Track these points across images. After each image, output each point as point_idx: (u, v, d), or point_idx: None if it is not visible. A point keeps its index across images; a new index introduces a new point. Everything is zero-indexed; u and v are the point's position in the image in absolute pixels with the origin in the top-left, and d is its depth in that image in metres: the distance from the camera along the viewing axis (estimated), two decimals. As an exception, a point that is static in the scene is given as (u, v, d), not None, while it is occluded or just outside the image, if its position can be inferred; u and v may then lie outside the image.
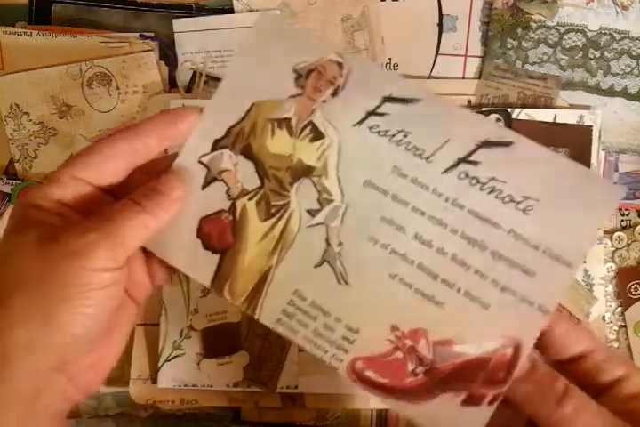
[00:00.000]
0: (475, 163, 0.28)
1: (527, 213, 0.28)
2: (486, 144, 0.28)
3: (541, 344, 0.29)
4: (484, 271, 0.28)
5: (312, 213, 0.30)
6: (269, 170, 0.30)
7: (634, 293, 0.51)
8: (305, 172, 0.30)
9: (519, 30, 0.51)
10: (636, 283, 0.51)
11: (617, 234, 0.52)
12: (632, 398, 0.27)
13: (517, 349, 0.27)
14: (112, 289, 0.27)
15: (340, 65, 0.30)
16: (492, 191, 0.28)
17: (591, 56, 0.51)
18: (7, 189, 0.49)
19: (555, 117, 0.50)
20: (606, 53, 0.51)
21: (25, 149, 0.50)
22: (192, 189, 0.30)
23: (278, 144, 0.30)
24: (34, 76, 0.50)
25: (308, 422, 0.50)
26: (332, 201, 0.29)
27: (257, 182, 0.30)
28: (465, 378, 0.27)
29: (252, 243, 0.30)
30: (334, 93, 0.30)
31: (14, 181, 0.50)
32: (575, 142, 0.50)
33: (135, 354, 0.49)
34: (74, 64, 0.50)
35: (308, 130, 0.30)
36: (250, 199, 0.30)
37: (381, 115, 0.29)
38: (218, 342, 0.48)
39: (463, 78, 0.52)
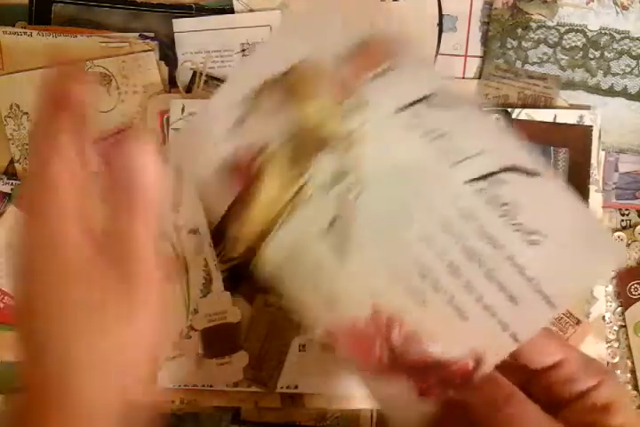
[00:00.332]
0: (497, 183, 0.28)
1: (532, 246, 0.27)
2: (515, 169, 0.28)
3: (512, 356, 0.28)
4: (474, 286, 0.28)
5: (330, 183, 0.29)
6: (301, 130, 0.29)
7: (634, 293, 0.51)
8: (332, 142, 0.29)
9: (519, 30, 0.51)
10: (636, 283, 0.51)
11: (617, 234, 0.52)
12: (595, 409, 0.27)
13: (479, 363, 0.27)
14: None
15: (396, 45, 0.29)
16: (505, 215, 0.28)
17: (591, 56, 0.51)
18: (7, 189, 0.49)
19: (555, 117, 0.50)
20: (606, 53, 0.51)
21: (25, 149, 0.50)
22: (225, 121, 0.30)
23: (316, 107, 0.29)
24: (34, 76, 0.50)
25: (308, 422, 0.50)
26: (351, 176, 0.29)
27: (286, 137, 0.30)
28: (424, 373, 0.28)
29: (266, 195, 0.30)
30: (382, 74, 0.29)
31: (14, 181, 0.50)
32: (575, 142, 0.50)
33: (135, 354, 0.49)
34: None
35: (348, 102, 0.29)
36: (276, 152, 0.30)
37: (422, 108, 0.28)
38: (218, 342, 0.48)
39: (463, 78, 0.52)
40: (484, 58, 0.52)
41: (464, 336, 0.28)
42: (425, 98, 0.28)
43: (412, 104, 0.28)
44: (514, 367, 0.29)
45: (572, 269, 0.27)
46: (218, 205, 0.31)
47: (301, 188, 0.29)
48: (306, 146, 0.29)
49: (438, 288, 0.28)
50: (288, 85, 0.30)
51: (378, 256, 0.28)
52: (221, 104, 0.30)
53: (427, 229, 0.28)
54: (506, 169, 0.27)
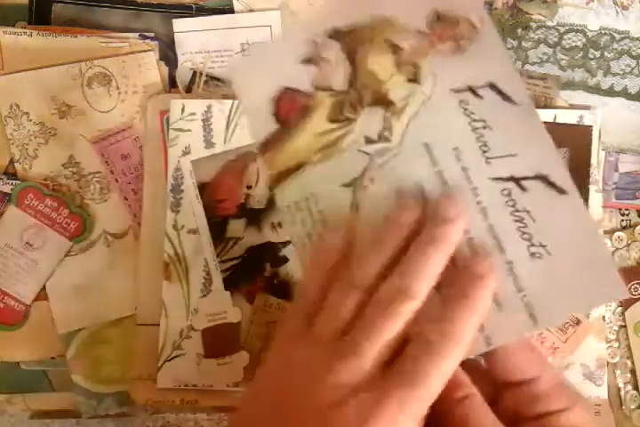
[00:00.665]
0: (523, 188, 0.28)
1: (534, 259, 0.27)
2: (546, 180, 0.28)
3: (488, 363, 0.28)
4: None
5: (367, 140, 0.30)
6: (359, 83, 0.30)
7: (634, 293, 0.51)
8: (384, 103, 0.30)
9: (519, 30, 0.51)
10: (636, 283, 0.51)
11: (617, 234, 0.52)
12: None
13: None
14: None
15: (474, 28, 0.29)
16: (519, 221, 0.28)
17: (591, 56, 0.51)
18: (7, 189, 0.49)
19: (555, 117, 0.50)
20: (606, 53, 0.51)
21: (25, 149, 0.50)
22: (291, 54, 0.31)
23: (380, 65, 0.30)
24: (34, 76, 0.50)
25: (308, 422, 0.50)
26: (388, 141, 0.29)
27: (343, 86, 0.30)
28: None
29: (307, 134, 0.31)
30: (452, 51, 0.29)
31: (14, 181, 0.50)
32: (575, 142, 0.50)
33: (135, 354, 0.49)
34: (74, 64, 0.50)
35: (410, 69, 0.29)
36: (328, 97, 0.31)
37: (478, 96, 0.29)
38: (218, 342, 0.48)
39: (463, 78, 0.52)
40: (484, 58, 0.52)
41: None
42: (486, 85, 0.28)
43: (471, 88, 0.29)
44: (487, 377, 0.28)
45: (566, 292, 0.27)
46: (260, 131, 0.32)
47: (338, 139, 0.30)
48: (357, 99, 0.30)
49: None
50: (358, 37, 0.30)
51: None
52: (290, 39, 0.31)
53: None
54: (536, 177, 0.28)
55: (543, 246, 0.27)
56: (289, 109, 0.31)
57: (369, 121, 0.30)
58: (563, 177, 0.28)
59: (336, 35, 0.30)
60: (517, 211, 0.28)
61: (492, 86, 0.28)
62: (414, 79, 0.29)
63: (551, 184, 0.27)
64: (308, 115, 0.31)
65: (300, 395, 0.25)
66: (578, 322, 0.49)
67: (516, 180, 0.28)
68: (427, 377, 0.24)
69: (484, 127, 0.28)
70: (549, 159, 0.28)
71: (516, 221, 0.28)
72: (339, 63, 0.30)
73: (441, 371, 0.25)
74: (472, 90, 0.29)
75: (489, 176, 0.28)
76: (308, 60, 0.31)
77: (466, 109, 0.29)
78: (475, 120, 0.28)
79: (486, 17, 0.29)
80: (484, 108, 0.28)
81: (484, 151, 0.28)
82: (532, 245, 0.27)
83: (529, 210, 0.28)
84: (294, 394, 0.26)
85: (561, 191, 0.27)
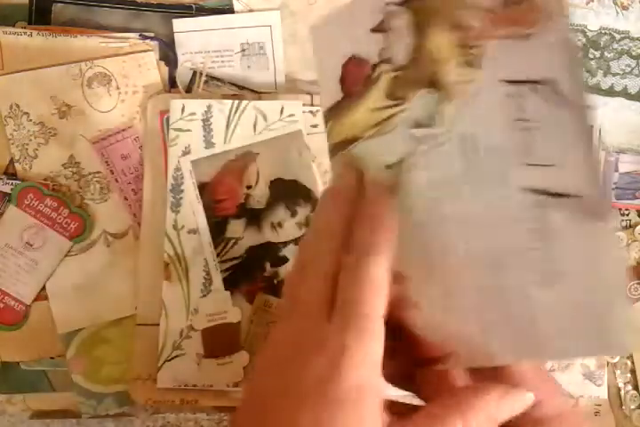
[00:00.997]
0: (554, 206, 0.24)
1: (545, 286, 0.24)
2: (579, 200, 0.23)
3: (500, 373, 0.28)
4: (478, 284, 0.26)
5: (416, 123, 0.28)
6: (419, 59, 0.28)
7: (634, 293, 0.51)
8: (438, 85, 0.27)
9: (519, 30, 0.51)
10: (636, 283, 0.51)
11: (617, 234, 0.52)
12: None
13: (450, 357, 0.27)
14: None
15: (547, 15, 0.24)
16: (540, 240, 0.24)
17: (591, 56, 0.51)
18: (7, 189, 0.49)
19: (555, 117, 0.50)
20: (606, 53, 0.51)
21: (25, 149, 0.50)
22: (364, 20, 0.29)
23: (442, 44, 0.27)
24: (34, 76, 0.50)
25: (308, 422, 0.50)
26: (436, 127, 0.27)
27: (404, 61, 0.28)
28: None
29: (365, 107, 0.29)
30: (519, 38, 0.25)
31: (14, 181, 0.50)
32: (575, 142, 0.50)
33: (135, 354, 0.49)
34: (74, 64, 0.50)
35: (473, 51, 0.26)
36: (390, 71, 0.29)
37: (531, 91, 0.24)
38: (218, 342, 0.48)
39: (463, 78, 0.52)
40: (484, 58, 0.52)
41: (449, 326, 0.27)
42: (541, 82, 0.24)
43: (524, 82, 0.25)
44: None
45: (567, 332, 0.24)
46: (329, 97, 0.31)
47: (390, 117, 0.28)
48: (415, 77, 0.28)
49: (449, 271, 0.27)
50: (429, 7, 0.27)
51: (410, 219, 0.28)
52: (365, 4, 0.29)
53: (462, 212, 0.26)
54: (568, 195, 0.24)
55: (559, 274, 0.24)
56: (354, 80, 0.30)
57: (421, 103, 0.27)
58: (598, 199, 0.23)
59: (408, 2, 0.27)
60: (539, 232, 0.24)
61: (551, 82, 0.24)
62: (471, 63, 0.26)
63: (584, 206, 0.23)
64: (369, 87, 0.29)
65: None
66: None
67: (544, 194, 0.24)
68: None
69: (527, 129, 0.24)
70: (585, 174, 0.23)
71: (538, 240, 0.24)
72: (403, 34, 0.28)
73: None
74: (526, 83, 0.25)
75: (518, 184, 0.25)
76: (378, 28, 0.29)
77: (513, 104, 0.25)
78: (519, 119, 0.25)
79: (566, 3, 0.24)
80: (532, 105, 0.24)
81: (520, 155, 0.25)
82: (547, 271, 0.24)
83: (553, 229, 0.24)
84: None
85: (593, 215, 0.23)
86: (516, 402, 0.26)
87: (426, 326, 0.27)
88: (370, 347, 0.24)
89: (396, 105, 0.28)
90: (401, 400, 0.28)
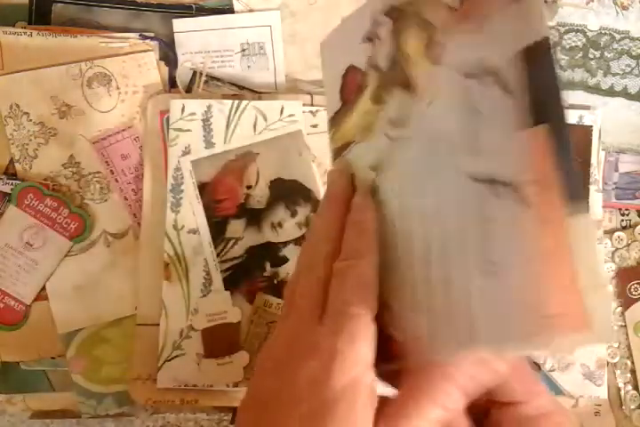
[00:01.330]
0: (496, 195, 0.23)
1: (485, 276, 0.23)
2: (512, 188, 0.23)
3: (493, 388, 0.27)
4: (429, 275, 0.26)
5: (392, 123, 0.29)
6: (398, 63, 0.28)
7: (634, 293, 0.51)
8: (409, 87, 0.27)
9: (519, 30, 0.51)
10: (636, 283, 0.51)
11: (617, 234, 0.52)
12: None
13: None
14: None
15: (499, 6, 0.24)
16: (481, 229, 0.24)
17: (591, 56, 0.51)
18: (7, 189, 0.50)
19: (555, 117, 0.50)
20: (606, 53, 0.51)
21: (25, 148, 0.50)
22: (358, 31, 0.30)
23: (412, 45, 0.27)
24: (34, 76, 0.50)
25: (308, 422, 0.50)
26: (405, 128, 0.28)
27: (386, 66, 0.29)
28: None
29: (357, 113, 0.31)
30: (474, 31, 0.24)
31: (14, 181, 0.50)
32: (575, 142, 0.50)
33: (135, 354, 0.49)
34: (74, 64, 0.50)
35: (437, 50, 0.26)
36: (376, 77, 0.30)
37: (486, 82, 0.24)
38: (218, 342, 0.48)
39: (463, 78, 0.52)
40: (483, 58, 0.52)
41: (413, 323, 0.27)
42: (488, 72, 0.24)
43: (476, 74, 0.24)
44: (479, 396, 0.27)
45: (502, 325, 0.23)
46: (332, 107, 0.32)
47: (375, 120, 0.30)
48: (393, 80, 0.29)
49: (411, 264, 0.27)
50: (404, 14, 0.28)
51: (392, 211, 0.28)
52: (359, 16, 0.31)
53: (423, 206, 0.26)
54: (506, 183, 0.23)
55: (496, 265, 0.23)
56: (351, 88, 0.31)
57: (396, 104, 0.29)
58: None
59: (391, 11, 0.29)
60: (484, 218, 0.23)
61: (494, 73, 0.23)
62: (434, 60, 0.26)
63: (520, 196, 0.22)
64: (361, 94, 0.31)
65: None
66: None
67: (491, 182, 0.23)
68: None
69: (477, 117, 0.24)
70: (526, 164, 0.22)
71: (479, 229, 0.24)
72: (386, 42, 0.29)
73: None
74: (481, 75, 0.24)
75: (467, 173, 0.24)
76: (368, 38, 0.30)
77: (469, 97, 0.24)
78: (471, 109, 0.24)
79: None
80: (487, 95, 0.24)
81: (470, 144, 0.24)
82: (486, 260, 0.23)
83: (495, 220, 0.23)
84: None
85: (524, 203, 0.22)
86: (487, 373, 0.25)
87: (396, 326, 0.27)
88: (360, 347, 0.25)
89: (379, 109, 0.30)
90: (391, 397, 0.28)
